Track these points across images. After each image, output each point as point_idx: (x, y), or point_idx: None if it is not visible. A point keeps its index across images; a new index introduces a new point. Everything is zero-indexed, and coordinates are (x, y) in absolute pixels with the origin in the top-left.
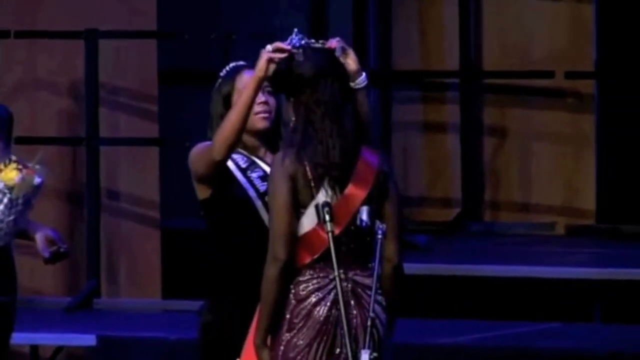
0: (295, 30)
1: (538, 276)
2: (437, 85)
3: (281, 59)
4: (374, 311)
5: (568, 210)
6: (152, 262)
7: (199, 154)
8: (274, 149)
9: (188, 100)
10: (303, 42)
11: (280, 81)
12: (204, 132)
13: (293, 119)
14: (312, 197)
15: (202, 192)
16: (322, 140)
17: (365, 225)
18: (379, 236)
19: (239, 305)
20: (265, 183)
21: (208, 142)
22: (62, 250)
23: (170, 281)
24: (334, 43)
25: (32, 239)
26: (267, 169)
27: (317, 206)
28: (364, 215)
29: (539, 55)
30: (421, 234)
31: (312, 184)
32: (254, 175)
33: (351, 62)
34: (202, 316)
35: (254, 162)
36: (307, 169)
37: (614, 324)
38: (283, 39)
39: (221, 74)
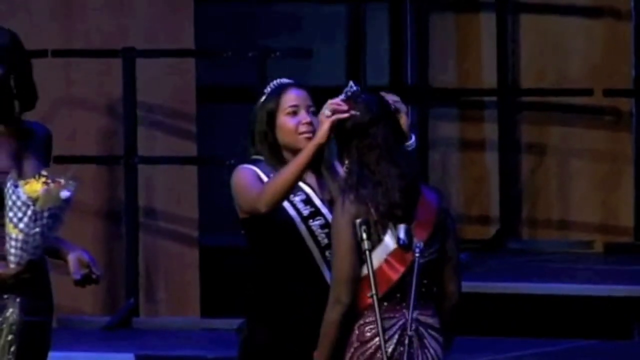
0: (351, 82)
1: (576, 294)
2: (475, 102)
3: (343, 119)
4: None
5: (606, 227)
6: (190, 280)
7: (244, 192)
8: (315, 169)
9: (226, 118)
10: (355, 88)
11: (338, 131)
12: (242, 150)
13: (347, 161)
14: (379, 239)
15: (243, 213)
16: (380, 181)
17: (403, 243)
18: (417, 254)
19: (278, 323)
20: (308, 206)
21: (250, 169)
22: (94, 276)
23: (208, 299)
24: (390, 98)
25: (64, 259)
26: (309, 190)
27: (354, 224)
28: (402, 233)
29: (577, 72)
30: (460, 252)
31: (379, 225)
32: (297, 199)
33: (402, 123)
34: (242, 333)
35: (296, 185)
36: (371, 210)
37: None
38: (321, 58)
39: (266, 90)
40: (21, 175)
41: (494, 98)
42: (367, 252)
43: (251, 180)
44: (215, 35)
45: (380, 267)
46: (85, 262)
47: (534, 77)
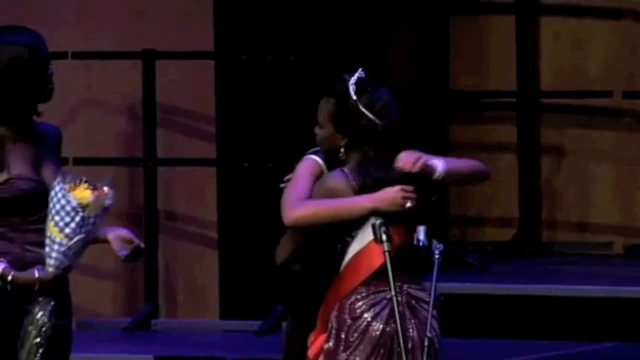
0: (360, 70)
1: (596, 296)
2: (494, 105)
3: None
4: (431, 329)
5: (626, 229)
6: (210, 283)
7: (288, 193)
8: None
9: (245, 121)
10: (362, 75)
11: (345, 122)
12: (261, 152)
13: (343, 144)
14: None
15: None
16: (372, 163)
17: (423, 245)
18: (437, 256)
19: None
20: None
21: (314, 160)
22: (141, 247)
23: (228, 301)
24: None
25: (105, 241)
26: None
27: (374, 226)
28: (422, 235)
29: (597, 74)
30: (474, 254)
31: None
32: None
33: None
34: (285, 334)
35: None
36: (353, 185)
37: None
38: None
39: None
40: (43, 180)
41: (514, 100)
42: (387, 254)
43: (303, 182)
44: (235, 37)
45: (367, 247)
46: (127, 239)
47: (554, 80)
